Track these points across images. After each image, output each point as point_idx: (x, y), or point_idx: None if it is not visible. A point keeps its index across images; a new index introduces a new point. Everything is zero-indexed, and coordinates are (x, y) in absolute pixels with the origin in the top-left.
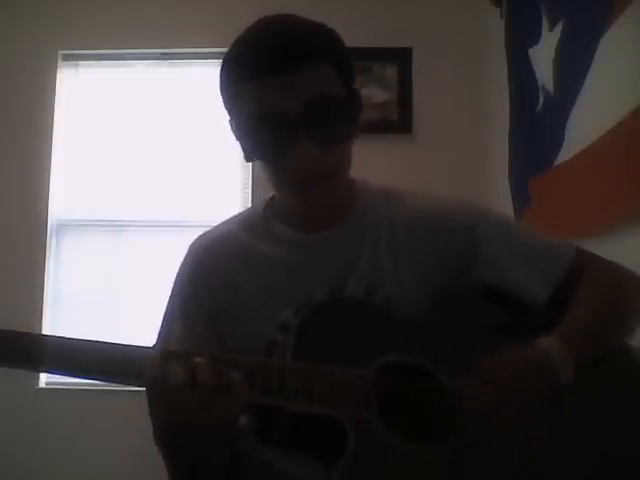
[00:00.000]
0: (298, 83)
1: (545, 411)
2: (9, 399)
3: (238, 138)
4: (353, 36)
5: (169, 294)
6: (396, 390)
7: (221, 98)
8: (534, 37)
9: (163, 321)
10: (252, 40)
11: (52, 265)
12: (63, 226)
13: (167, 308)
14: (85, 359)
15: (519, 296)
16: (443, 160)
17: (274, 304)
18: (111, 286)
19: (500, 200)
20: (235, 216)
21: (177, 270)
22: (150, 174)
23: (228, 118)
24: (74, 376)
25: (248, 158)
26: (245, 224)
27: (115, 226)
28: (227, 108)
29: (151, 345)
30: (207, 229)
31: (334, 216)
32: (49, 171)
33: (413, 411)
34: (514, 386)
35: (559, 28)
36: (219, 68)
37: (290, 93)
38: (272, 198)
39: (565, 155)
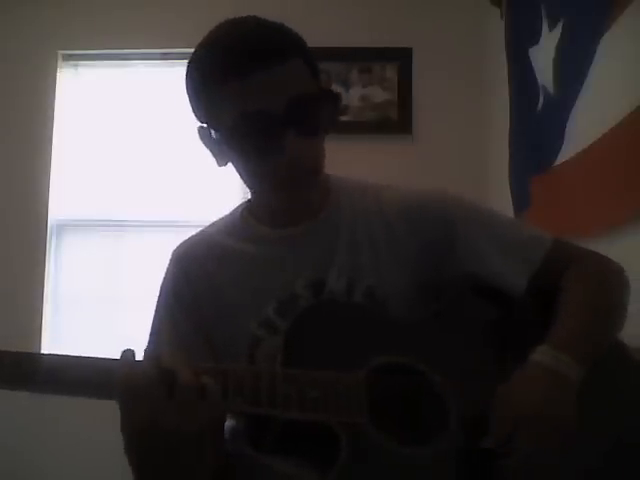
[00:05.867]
0: (277, 80)
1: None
2: (9, 399)
3: (213, 143)
4: (353, 36)
5: (155, 303)
6: (388, 392)
7: (190, 103)
8: (534, 37)
9: (151, 331)
10: (222, 43)
11: (52, 265)
12: (63, 226)
13: (154, 318)
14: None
15: (497, 285)
16: (443, 160)
17: (256, 301)
18: (111, 286)
19: (500, 200)
20: (216, 221)
21: (162, 278)
22: (150, 174)
23: (198, 124)
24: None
25: (220, 163)
26: (225, 227)
27: (115, 226)
28: (198, 114)
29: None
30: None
31: (308, 211)
32: (49, 171)
33: (406, 413)
34: (539, 417)
35: (559, 28)
36: (185, 72)
37: (270, 91)
38: (249, 200)
39: (565, 155)
